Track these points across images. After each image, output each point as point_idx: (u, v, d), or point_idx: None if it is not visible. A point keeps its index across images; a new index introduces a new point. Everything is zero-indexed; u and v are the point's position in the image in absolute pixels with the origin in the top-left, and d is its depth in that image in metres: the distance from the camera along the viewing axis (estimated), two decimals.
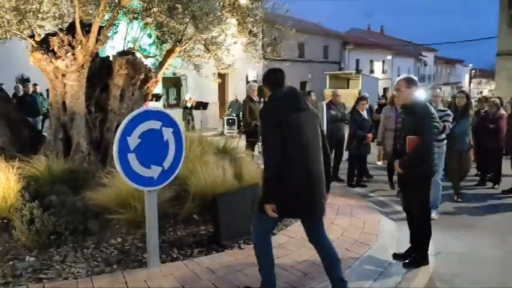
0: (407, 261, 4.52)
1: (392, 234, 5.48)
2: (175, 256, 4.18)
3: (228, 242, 4.48)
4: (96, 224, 4.46)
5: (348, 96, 14.02)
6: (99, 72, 6.39)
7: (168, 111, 3.92)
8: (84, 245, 4.24)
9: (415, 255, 4.52)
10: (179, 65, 8.10)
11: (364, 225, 5.54)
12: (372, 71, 36.90)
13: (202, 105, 16.89)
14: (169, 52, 6.56)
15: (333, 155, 8.33)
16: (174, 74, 13.72)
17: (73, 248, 4.18)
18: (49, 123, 5.99)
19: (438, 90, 6.91)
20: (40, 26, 5.36)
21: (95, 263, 3.97)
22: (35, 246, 4.12)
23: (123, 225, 4.54)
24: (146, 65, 6.16)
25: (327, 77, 26.90)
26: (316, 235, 3.55)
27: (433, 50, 50.80)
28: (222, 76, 22.25)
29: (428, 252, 4.59)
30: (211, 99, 19.62)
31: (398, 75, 30.45)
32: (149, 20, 5.32)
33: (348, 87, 26.80)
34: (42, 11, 5.15)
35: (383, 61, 40.16)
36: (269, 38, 26.64)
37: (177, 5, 4.71)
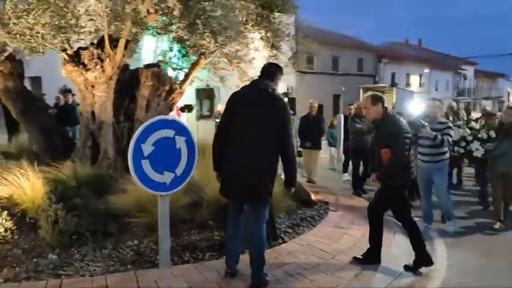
0: (407, 264, 4.68)
1: (406, 246, 5.49)
2: (186, 259, 4.38)
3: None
4: (116, 226, 4.71)
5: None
6: (129, 83, 6.74)
7: (181, 120, 4.13)
8: (103, 246, 4.50)
9: (414, 259, 4.69)
10: (206, 77, 8.39)
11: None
12: (408, 85, 36.41)
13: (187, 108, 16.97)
14: (194, 65, 6.84)
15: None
16: (207, 85, 14.06)
17: (93, 248, 4.45)
18: (79, 131, 6.35)
19: (438, 102, 6.89)
20: (78, 40, 5.71)
21: (111, 262, 4.22)
22: (58, 245, 4.42)
23: (140, 228, 4.78)
24: (170, 77, 6.45)
25: (360, 90, 26.77)
26: (247, 217, 3.95)
27: (473, 64, 49.59)
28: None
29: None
30: None
31: (436, 89, 30.11)
32: (171, 35, 5.60)
33: None
34: (79, 25, 5.49)
35: (420, 75, 39.56)
36: (304, 50, 26.60)
37: (197, 20, 4.96)
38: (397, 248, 5.26)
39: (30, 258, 4.26)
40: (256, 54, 7.18)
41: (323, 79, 28.04)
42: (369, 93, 4.82)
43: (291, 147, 3.80)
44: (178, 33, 5.30)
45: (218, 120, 15.18)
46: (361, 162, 8.57)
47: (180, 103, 16.00)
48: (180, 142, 4.02)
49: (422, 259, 4.68)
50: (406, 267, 4.72)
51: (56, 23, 5.21)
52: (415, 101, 30.48)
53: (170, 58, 7.58)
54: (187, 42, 5.94)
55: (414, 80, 38.70)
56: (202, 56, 6.66)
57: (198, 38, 5.27)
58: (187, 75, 6.88)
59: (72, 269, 4.04)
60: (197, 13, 5.04)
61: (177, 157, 4.00)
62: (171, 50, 6.52)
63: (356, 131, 8.51)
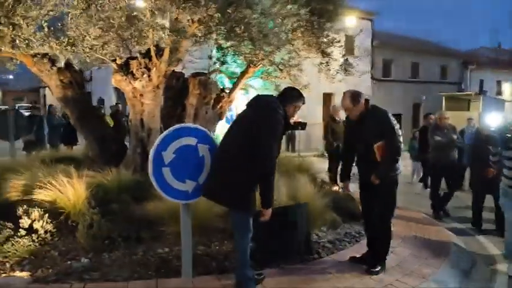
0: (366, 267, 4.51)
1: (460, 269, 5.02)
2: (211, 270, 4.29)
3: (265, 260, 4.47)
4: (149, 233, 4.75)
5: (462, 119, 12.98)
6: (181, 92, 6.87)
7: (203, 128, 4.06)
8: (134, 252, 4.54)
9: (376, 263, 4.53)
10: (261, 86, 8.34)
11: (428, 255, 5.14)
12: (499, 93, 33.82)
13: (300, 125, 16.88)
14: (243, 73, 6.81)
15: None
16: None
17: (123, 253, 4.51)
18: (129, 138, 6.54)
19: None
20: (140, 49, 5.90)
21: (138, 269, 4.24)
22: (92, 249, 4.53)
23: (172, 236, 4.78)
24: (217, 85, 6.46)
25: (443, 98, 25.32)
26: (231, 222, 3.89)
27: None
28: (328, 96, 22.39)
29: None
30: (315, 119, 19.64)
31: None
32: (210, 42, 5.62)
33: (469, 110, 24.96)
34: (143, 35, 5.65)
35: None
36: (380, 58, 25.86)
37: (236, 28, 4.91)
38: (448, 270, 4.82)
39: (65, 260, 4.41)
40: (307, 61, 6.99)
41: (402, 87, 26.87)
42: (346, 92, 4.48)
43: (266, 161, 3.53)
44: (218, 41, 5.29)
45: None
46: (443, 180, 7.88)
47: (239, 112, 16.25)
48: (204, 150, 3.95)
49: (383, 266, 4.57)
50: (353, 259, 4.72)
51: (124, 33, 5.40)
52: (507, 110, 28.30)
53: (227, 67, 7.66)
54: (231, 51, 5.91)
55: (507, 87, 35.86)
56: (251, 64, 6.61)
57: (237, 46, 5.21)
58: (236, 84, 6.86)
59: (98, 274, 4.11)
60: (236, 20, 4.98)
61: (200, 165, 3.93)
62: (210, 57, 6.52)
63: (436, 144, 7.82)
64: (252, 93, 10.55)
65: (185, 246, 4.03)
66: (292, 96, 3.84)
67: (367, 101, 4.43)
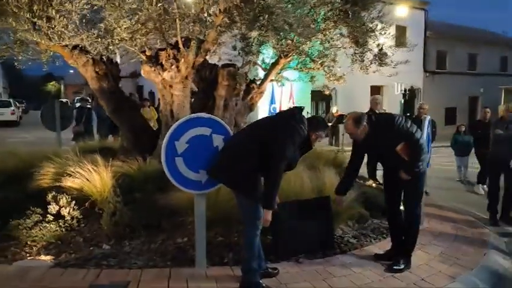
0: (390, 263, 4.38)
1: (496, 270, 4.71)
2: (226, 260, 4.27)
3: (284, 253, 4.40)
4: (169, 222, 4.79)
5: None
6: (212, 83, 6.87)
7: (218, 119, 4.03)
8: (153, 240, 4.61)
9: (400, 259, 4.38)
10: (297, 77, 8.22)
11: (461, 255, 4.86)
12: None
13: (343, 119, 16.54)
14: (274, 64, 6.72)
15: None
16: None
17: (143, 242, 4.59)
18: (161, 129, 6.63)
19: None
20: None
21: (155, 257, 4.30)
22: (113, 236, 4.64)
23: (192, 226, 4.77)
24: (247, 76, 6.41)
25: (502, 91, 24.01)
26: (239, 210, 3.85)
27: None
28: (376, 88, 21.78)
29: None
30: None
31: None
32: (235, 32, 5.55)
33: None
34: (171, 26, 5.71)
35: None
36: (434, 49, 24.86)
37: (260, 17, 4.83)
38: (482, 272, 4.54)
39: (89, 246, 4.55)
40: (340, 52, 6.79)
41: (457, 80, 25.67)
42: (348, 117, 4.31)
43: (277, 162, 3.50)
44: (241, 31, 5.23)
45: (330, 124, 14.85)
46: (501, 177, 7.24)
47: (291, 104, 16.06)
48: (218, 140, 3.92)
49: (407, 263, 4.40)
50: (377, 256, 4.59)
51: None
52: None
53: (263, 59, 7.60)
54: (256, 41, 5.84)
55: None
56: (281, 55, 6.51)
57: (263, 36, 5.13)
58: (267, 75, 6.79)
59: (116, 261, 4.20)
60: (260, 9, 4.90)
61: (214, 155, 3.90)
62: (234, 48, 6.45)
63: (495, 138, 7.24)
64: (287, 85, 10.43)
65: (199, 237, 4.03)
66: (315, 124, 3.87)
67: (370, 120, 4.25)
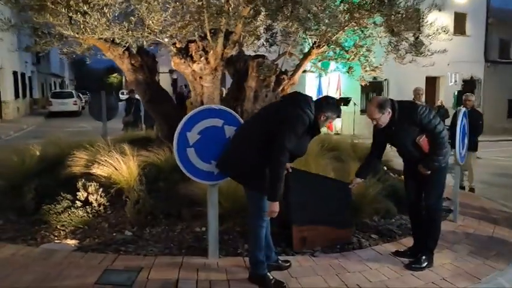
0: (410, 261, 4.26)
1: None
2: (239, 251, 4.29)
3: (297, 223, 4.38)
4: (189, 211, 4.87)
5: None
6: (245, 75, 6.88)
7: (230, 110, 4.03)
8: (172, 229, 4.72)
9: (422, 257, 4.23)
10: (335, 67, 8.06)
11: (492, 256, 4.60)
12: None
13: (342, 101, 15.84)
14: (306, 55, 6.62)
15: None
16: (374, 78, 13.54)
17: (162, 230, 4.71)
18: None
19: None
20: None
21: (171, 245, 4.40)
22: (136, 223, 4.79)
23: None
24: (276, 67, 6.35)
25: None
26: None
27: None
28: (432, 80, 20.92)
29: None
30: None
31: None
32: (257, 24, 5.50)
33: None
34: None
35: None
36: (497, 37, 23.54)
37: (283, 8, 4.76)
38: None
39: (112, 232, 4.73)
40: (375, 41, 6.57)
41: None
42: (371, 101, 4.14)
43: (277, 153, 3.40)
44: (264, 22, 5.18)
45: None
46: None
47: (338, 95, 15.78)
48: (230, 132, 3.93)
49: (429, 261, 4.23)
50: (397, 253, 4.48)
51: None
52: None
53: (301, 49, 7.51)
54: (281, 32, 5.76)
55: None
56: (314, 46, 6.40)
57: (289, 26, 5.07)
58: (298, 66, 6.70)
59: (134, 247, 4.34)
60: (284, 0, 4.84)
61: (226, 147, 3.91)
62: (258, 39, 6.39)
63: None
64: (335, 76, 10.19)
65: (211, 227, 4.08)
66: (325, 105, 3.68)
67: (393, 106, 4.08)
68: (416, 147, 4.07)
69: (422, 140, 4.04)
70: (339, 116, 3.81)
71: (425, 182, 4.22)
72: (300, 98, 3.62)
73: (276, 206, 3.46)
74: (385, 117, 4.03)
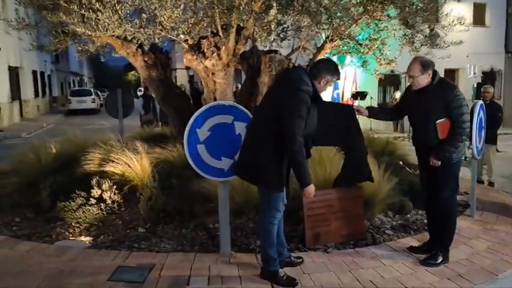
0: (425, 256, 4.18)
1: None
2: (252, 247, 4.28)
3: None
4: (202, 208, 4.88)
5: None
6: (259, 71, 6.85)
7: (240, 106, 4.00)
8: (185, 226, 4.73)
9: (437, 253, 4.14)
10: (348, 61, 7.98)
11: (510, 252, 4.50)
12: None
13: (359, 95, 15.49)
14: (319, 49, 6.56)
15: None
16: (391, 71, 13.38)
17: (175, 226, 4.72)
18: None
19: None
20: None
21: (184, 241, 4.41)
22: (149, 220, 4.81)
23: None
24: (288, 62, 6.31)
25: None
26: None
27: None
28: (451, 72, 20.55)
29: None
30: None
31: None
32: (269, 18, 5.45)
33: None
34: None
35: None
36: None
37: (294, 1, 4.72)
38: None
39: (126, 229, 4.76)
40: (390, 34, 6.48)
41: None
42: (415, 58, 4.05)
43: (290, 140, 3.31)
44: (275, 17, 5.13)
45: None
46: None
47: (354, 89, 15.63)
48: (240, 128, 3.91)
49: (444, 256, 4.15)
50: (411, 249, 4.41)
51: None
52: None
53: (316, 43, 7.45)
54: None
55: None
56: (327, 39, 6.34)
57: (300, 21, 5.03)
58: (312, 60, 6.64)
59: (147, 244, 4.36)
60: None
61: (236, 143, 3.89)
62: (270, 34, 6.34)
63: None
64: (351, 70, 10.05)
65: (223, 223, 4.08)
66: (322, 69, 3.52)
67: (435, 72, 4.00)
68: (434, 129, 3.96)
69: (443, 123, 3.93)
70: (338, 78, 3.65)
71: (437, 176, 4.11)
72: (292, 77, 3.47)
73: (310, 190, 3.43)
74: (423, 79, 3.95)
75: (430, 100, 3.96)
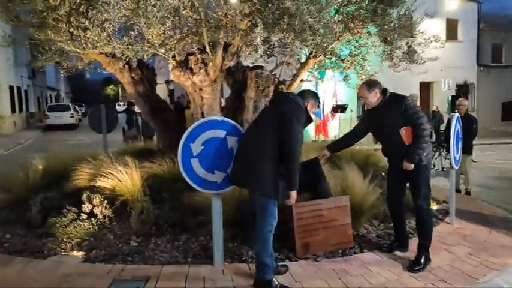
0: (411, 263, 4.38)
1: None
2: (244, 258, 4.39)
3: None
4: (194, 221, 4.97)
5: None
6: (244, 85, 7.01)
7: (232, 121, 4.15)
8: (177, 238, 4.81)
9: (419, 257, 4.39)
10: (330, 76, 8.21)
11: (489, 257, 4.71)
12: None
13: (339, 108, 15.90)
14: (303, 65, 6.77)
15: None
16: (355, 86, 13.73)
17: (167, 239, 4.80)
18: None
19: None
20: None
21: (177, 254, 4.50)
22: (141, 233, 4.88)
23: None
24: (274, 78, 6.49)
25: None
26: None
27: None
28: (426, 85, 21.13)
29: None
30: None
31: None
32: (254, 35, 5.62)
33: None
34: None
35: None
36: (489, 42, 23.77)
37: (280, 20, 4.91)
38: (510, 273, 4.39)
39: (118, 243, 4.81)
40: (370, 50, 6.74)
41: None
42: (363, 81, 4.60)
43: (292, 144, 3.67)
44: (261, 34, 5.31)
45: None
46: None
47: (334, 103, 15.95)
48: (232, 142, 4.05)
49: (427, 259, 4.39)
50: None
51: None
52: None
53: (297, 58, 7.65)
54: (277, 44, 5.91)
55: None
56: (310, 55, 6.56)
57: (286, 38, 5.22)
58: (296, 76, 6.85)
59: (140, 257, 4.43)
60: (280, 13, 4.97)
61: (229, 157, 4.03)
62: (256, 51, 6.53)
63: None
64: (331, 84, 10.24)
65: (216, 235, 4.19)
66: (306, 94, 4.08)
67: (385, 90, 4.43)
68: (399, 137, 4.28)
69: (405, 130, 4.26)
70: (318, 107, 4.20)
71: (410, 183, 4.47)
72: (289, 96, 4.04)
73: (295, 194, 3.77)
74: (372, 97, 4.35)
75: (386, 114, 4.35)
